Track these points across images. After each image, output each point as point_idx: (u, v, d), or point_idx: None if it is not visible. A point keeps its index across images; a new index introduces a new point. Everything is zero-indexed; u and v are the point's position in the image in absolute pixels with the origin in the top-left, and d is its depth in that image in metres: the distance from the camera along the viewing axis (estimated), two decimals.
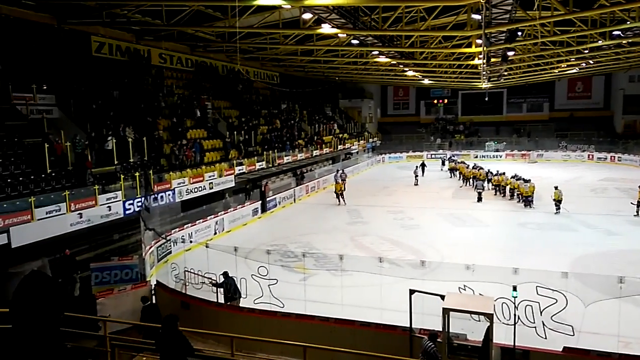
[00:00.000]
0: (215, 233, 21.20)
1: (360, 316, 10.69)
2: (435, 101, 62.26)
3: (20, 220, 13.45)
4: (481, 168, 33.94)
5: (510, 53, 25.93)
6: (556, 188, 24.76)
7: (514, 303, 8.88)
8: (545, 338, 9.39)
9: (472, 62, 29.31)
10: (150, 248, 16.25)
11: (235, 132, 28.68)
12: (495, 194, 30.35)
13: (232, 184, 24.95)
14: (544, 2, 18.85)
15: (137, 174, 18.60)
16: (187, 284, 13.75)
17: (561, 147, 49.68)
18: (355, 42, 25.74)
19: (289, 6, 19.86)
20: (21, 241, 13.19)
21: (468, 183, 33.99)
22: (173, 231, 18.75)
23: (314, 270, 15.48)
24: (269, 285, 11.63)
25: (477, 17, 18.82)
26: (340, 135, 44.81)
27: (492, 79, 40.71)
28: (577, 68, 38.84)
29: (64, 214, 14.76)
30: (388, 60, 30.88)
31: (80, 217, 15.29)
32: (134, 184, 18.22)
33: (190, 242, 17.38)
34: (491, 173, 32.08)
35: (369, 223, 24.10)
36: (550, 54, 30.14)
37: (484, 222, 23.65)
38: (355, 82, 54.98)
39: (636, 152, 43.65)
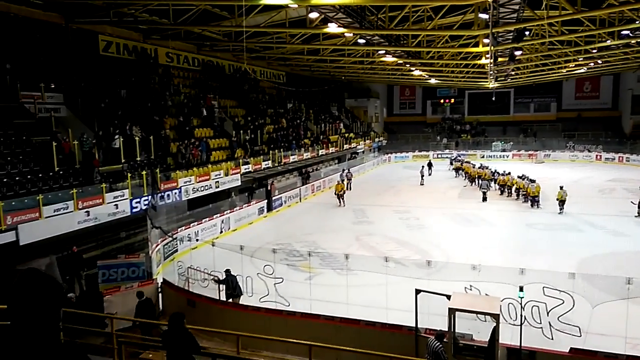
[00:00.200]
0: (221, 232, 21.26)
1: (365, 315, 10.70)
2: (442, 101, 62.01)
3: (28, 218, 13.55)
4: (486, 168, 33.83)
5: (518, 52, 25.81)
6: (561, 188, 24.65)
7: (521, 303, 8.85)
8: (552, 339, 9.36)
9: (479, 62, 29.20)
10: (156, 246, 16.32)
11: (241, 131, 28.74)
12: (501, 194, 30.24)
13: (238, 183, 25.00)
14: (551, 1, 18.76)
15: (143, 172, 18.69)
16: (189, 280, 13.79)
17: (569, 147, 49.38)
18: (361, 41, 25.72)
19: (296, 5, 19.86)
20: (29, 239, 13.29)
21: (474, 183, 33.88)
22: (179, 229, 18.81)
23: (320, 270, 15.49)
24: (274, 284, 11.67)
25: (484, 16, 18.74)
26: (346, 135, 44.79)
27: (499, 79, 40.54)
28: (585, 68, 38.62)
29: (72, 212, 14.85)
30: (394, 59, 30.84)
31: (88, 215, 15.38)
32: (141, 183, 18.30)
33: (197, 240, 17.45)
34: (498, 173, 31.97)
35: (375, 223, 24.07)
36: (558, 54, 29.97)
37: (490, 222, 23.55)
38: (362, 82, 54.92)
39: None
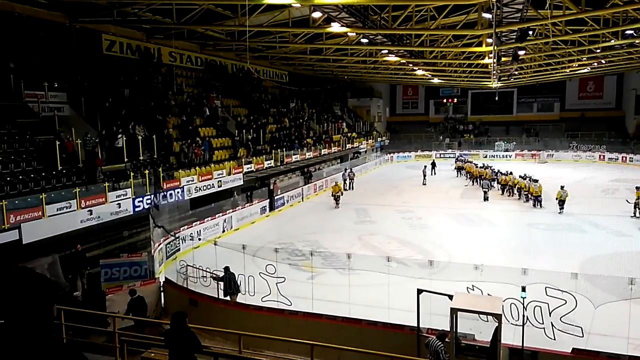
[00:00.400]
0: (223, 231, 21.29)
1: (367, 315, 10.71)
2: (445, 100, 61.86)
3: (32, 216, 13.62)
4: (488, 167, 33.78)
5: (521, 52, 25.70)
6: (562, 188, 24.59)
7: (523, 304, 8.84)
8: (554, 339, 9.34)
9: (482, 61, 29.14)
10: (159, 245, 16.36)
11: (244, 131, 28.76)
12: (503, 194, 30.19)
13: (241, 182, 25.04)
14: (555, 1, 18.68)
15: (146, 171, 18.73)
16: (188, 278, 13.80)
17: (572, 147, 49.22)
18: (364, 41, 25.64)
19: (299, 5, 19.88)
20: (32, 237, 13.35)
21: (476, 182, 33.82)
22: (182, 229, 18.85)
23: (322, 269, 15.48)
24: (276, 283, 11.68)
25: (487, 16, 18.67)
26: (349, 134, 44.77)
27: (502, 79, 40.41)
28: (588, 68, 38.43)
29: (75, 210, 14.91)
30: (397, 59, 30.78)
31: (91, 214, 15.44)
32: (144, 182, 18.35)
33: (199, 239, 17.47)
34: (500, 172, 31.91)
35: (377, 222, 24.06)
36: (561, 54, 29.86)
37: (492, 222, 23.52)
38: (364, 81, 54.85)
39: None
